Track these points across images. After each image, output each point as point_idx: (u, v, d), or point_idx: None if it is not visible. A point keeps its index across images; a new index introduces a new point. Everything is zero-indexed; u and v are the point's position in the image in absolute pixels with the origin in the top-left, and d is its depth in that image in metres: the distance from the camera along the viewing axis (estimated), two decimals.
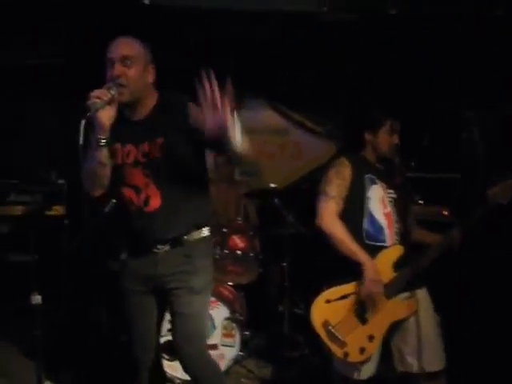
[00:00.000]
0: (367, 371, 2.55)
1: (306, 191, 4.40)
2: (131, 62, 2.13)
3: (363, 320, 2.53)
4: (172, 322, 2.36)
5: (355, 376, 2.54)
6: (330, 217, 2.59)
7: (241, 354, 3.41)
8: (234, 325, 3.36)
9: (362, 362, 2.54)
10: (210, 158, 4.14)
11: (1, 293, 3.60)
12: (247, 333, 3.55)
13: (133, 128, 2.23)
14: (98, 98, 1.98)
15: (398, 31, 3.74)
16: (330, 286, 2.60)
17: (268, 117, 4.89)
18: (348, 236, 2.55)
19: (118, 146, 2.23)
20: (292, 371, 3.53)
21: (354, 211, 2.63)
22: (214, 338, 3.31)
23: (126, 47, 2.15)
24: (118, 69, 2.11)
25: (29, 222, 3.86)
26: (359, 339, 2.52)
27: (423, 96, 4.03)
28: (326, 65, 4.35)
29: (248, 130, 4.69)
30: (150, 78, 2.23)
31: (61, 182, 4.29)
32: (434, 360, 2.51)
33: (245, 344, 3.49)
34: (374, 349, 2.52)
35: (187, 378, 2.51)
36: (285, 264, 3.76)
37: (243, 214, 4.13)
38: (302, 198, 4.36)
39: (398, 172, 2.72)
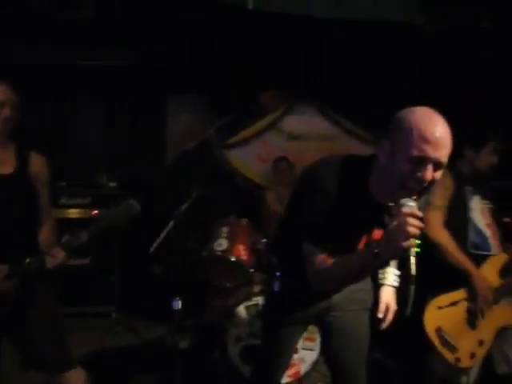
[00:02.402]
0: (473, 375, 2.67)
1: None
2: (441, 168, 1.71)
3: (473, 325, 2.63)
4: (338, 347, 2.18)
5: (464, 381, 2.65)
6: (437, 226, 2.66)
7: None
8: (315, 328, 3.08)
9: (471, 367, 2.64)
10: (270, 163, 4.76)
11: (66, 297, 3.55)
12: None
13: (376, 211, 1.85)
14: (414, 228, 1.57)
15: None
16: (436, 293, 2.65)
17: (316, 123, 4.90)
18: (455, 245, 2.64)
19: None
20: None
21: (457, 221, 2.67)
22: None
23: (447, 150, 1.70)
24: (430, 173, 1.68)
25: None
26: (470, 344, 2.58)
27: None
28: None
29: (296, 136, 4.83)
30: None
31: (112, 184, 4.26)
32: None
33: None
34: (483, 353, 2.62)
35: None
36: None
37: None
38: None
39: (488, 184, 2.66)
